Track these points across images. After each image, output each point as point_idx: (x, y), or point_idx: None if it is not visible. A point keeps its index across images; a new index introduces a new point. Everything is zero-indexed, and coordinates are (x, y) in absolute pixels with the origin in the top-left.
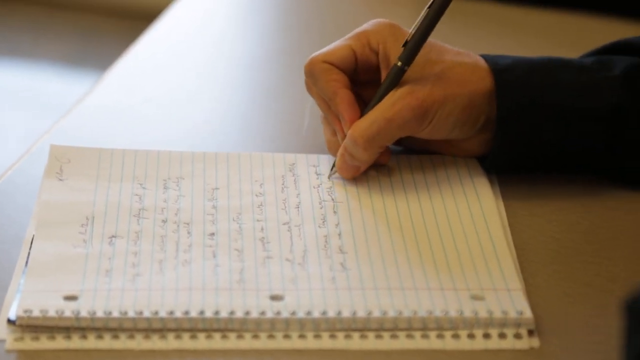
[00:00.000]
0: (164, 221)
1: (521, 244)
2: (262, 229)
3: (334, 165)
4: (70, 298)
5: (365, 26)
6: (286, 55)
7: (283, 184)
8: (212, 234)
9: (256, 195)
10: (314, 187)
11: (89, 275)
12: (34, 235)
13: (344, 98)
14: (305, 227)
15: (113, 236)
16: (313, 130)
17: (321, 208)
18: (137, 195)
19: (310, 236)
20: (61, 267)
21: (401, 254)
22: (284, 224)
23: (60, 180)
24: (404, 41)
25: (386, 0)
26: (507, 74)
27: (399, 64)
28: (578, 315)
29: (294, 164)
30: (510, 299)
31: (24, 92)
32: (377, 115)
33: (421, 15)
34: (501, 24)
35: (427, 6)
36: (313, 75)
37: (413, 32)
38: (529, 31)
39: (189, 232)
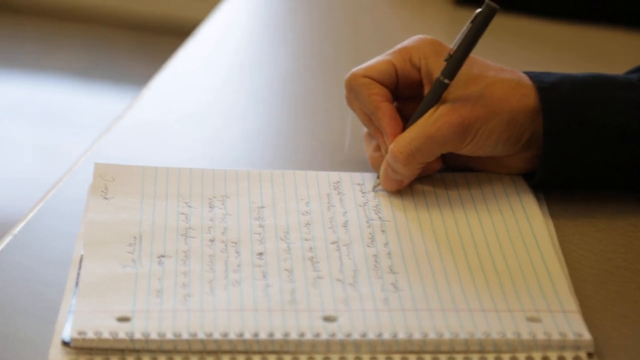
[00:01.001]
0: (212, 240)
1: (572, 264)
2: (310, 248)
3: (378, 178)
4: (123, 319)
5: (407, 42)
6: (324, 71)
7: (329, 203)
8: (261, 254)
9: (303, 214)
10: (360, 206)
11: (139, 296)
12: (82, 255)
13: (385, 112)
14: (354, 246)
15: (162, 255)
16: (354, 148)
17: (369, 227)
18: (183, 214)
19: (360, 256)
20: (112, 287)
21: (452, 274)
22: (332, 243)
23: (106, 199)
24: (446, 56)
25: (421, 14)
26: (553, 92)
27: (442, 78)
28: (637, 337)
29: (338, 182)
30: (566, 321)
31: (34, 105)
32: (418, 131)
33: (463, 29)
34: (541, 40)
35: (470, 21)
36: (354, 89)
37: (455, 46)
38: (569, 47)
39: (237, 252)
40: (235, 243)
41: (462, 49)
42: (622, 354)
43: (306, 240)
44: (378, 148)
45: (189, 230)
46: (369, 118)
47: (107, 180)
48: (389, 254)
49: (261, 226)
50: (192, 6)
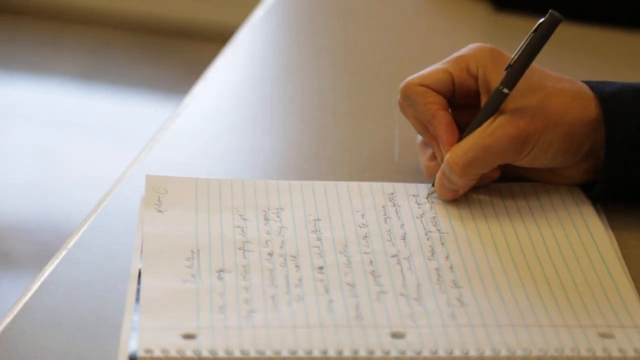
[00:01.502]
0: (270, 254)
1: (636, 277)
2: (370, 261)
3: (432, 185)
4: (189, 336)
5: (464, 50)
6: (366, 80)
7: (385, 215)
8: (321, 268)
9: (359, 226)
10: (417, 217)
11: (202, 312)
12: (140, 269)
13: (442, 120)
14: (415, 259)
15: (221, 270)
16: (404, 157)
17: (428, 239)
18: (239, 227)
19: (421, 269)
20: (174, 303)
21: (518, 288)
22: (393, 256)
23: (160, 212)
24: (504, 66)
25: (461, 19)
26: (614, 102)
27: (501, 88)
28: None
29: (392, 193)
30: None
31: (37, 107)
32: (475, 141)
33: (525, 39)
34: (599, 49)
35: (532, 30)
36: (409, 97)
37: (516, 56)
38: (628, 56)
39: (297, 266)
40: (295, 257)
41: (523, 58)
42: None
43: (366, 253)
44: (433, 157)
45: (246, 244)
46: (424, 126)
47: (160, 192)
48: (451, 267)
49: (319, 239)
50: (192, 6)
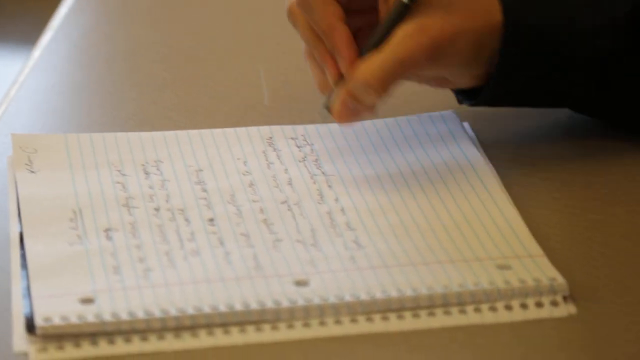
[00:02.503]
0: (157, 209)
1: (520, 207)
2: (261, 210)
3: (323, 109)
4: (87, 300)
5: None
6: (232, 25)
7: (267, 160)
8: (211, 219)
9: (243, 174)
10: (299, 161)
11: (97, 274)
12: (20, 233)
13: (342, 34)
14: (305, 204)
15: (108, 229)
16: (275, 101)
17: (314, 183)
18: (119, 182)
19: (313, 214)
20: (64, 267)
21: (411, 227)
22: (282, 202)
23: (33, 172)
24: None
25: None
26: (517, 12)
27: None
28: (603, 276)
29: (271, 137)
30: (537, 266)
31: None
32: (388, 55)
33: None
34: None
35: None
36: (307, 5)
37: None
38: None
39: (186, 219)
40: (182, 210)
41: None
42: (596, 295)
43: (254, 201)
44: (324, 70)
45: (129, 200)
46: (317, 38)
47: (29, 152)
48: (342, 209)
49: (204, 190)
50: None
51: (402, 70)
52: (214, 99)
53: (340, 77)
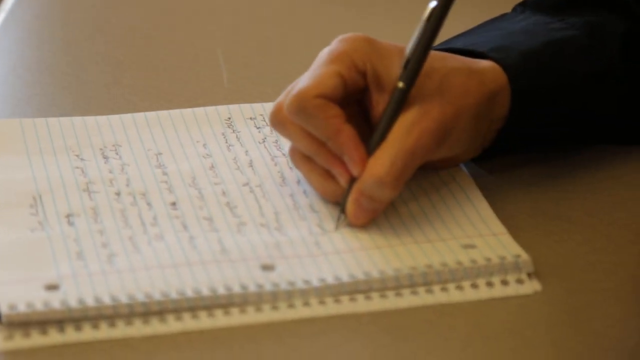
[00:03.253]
0: (118, 194)
1: (483, 187)
2: (223, 192)
3: (340, 213)
4: (52, 287)
5: (341, 45)
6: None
7: (227, 142)
8: (174, 203)
9: (204, 157)
10: (259, 142)
11: (60, 260)
12: None
13: (349, 136)
14: (267, 186)
15: (69, 215)
16: (234, 83)
17: (275, 165)
18: (78, 167)
19: (276, 196)
20: (26, 254)
21: None
22: (244, 185)
23: None
24: (386, 55)
25: None
26: (520, 79)
27: (403, 86)
28: (567, 253)
29: (229, 118)
30: (501, 244)
31: None
32: (398, 147)
33: (418, 29)
34: None
35: (425, 19)
36: (305, 113)
37: (414, 49)
38: None
39: (148, 203)
40: (144, 194)
41: (420, 50)
42: (557, 270)
43: (216, 184)
44: (325, 173)
45: (90, 185)
46: (317, 142)
47: None
48: (304, 192)
49: (165, 174)
50: None
51: (413, 160)
52: (173, 81)
53: (352, 179)
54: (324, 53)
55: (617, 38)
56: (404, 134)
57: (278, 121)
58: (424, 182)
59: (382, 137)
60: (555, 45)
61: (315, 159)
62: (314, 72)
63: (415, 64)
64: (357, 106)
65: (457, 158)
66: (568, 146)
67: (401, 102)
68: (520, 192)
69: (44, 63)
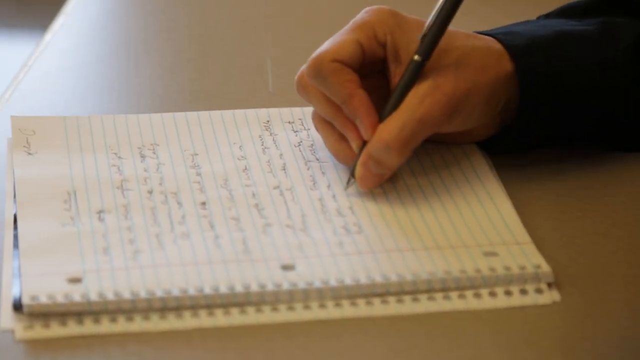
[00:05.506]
0: (150, 192)
1: (513, 196)
2: (253, 194)
3: (351, 176)
4: (75, 280)
5: (366, 16)
6: (240, 10)
7: (263, 145)
8: (204, 203)
9: (238, 159)
10: (295, 146)
11: (87, 255)
12: (15, 215)
13: (362, 101)
14: (297, 190)
15: (101, 211)
16: (278, 87)
17: (308, 169)
18: (114, 165)
19: (305, 200)
20: (55, 247)
21: (401, 213)
22: (274, 188)
23: (30, 154)
24: (409, 29)
25: None
26: (527, 59)
27: (418, 58)
28: (590, 264)
29: (268, 121)
30: (523, 253)
31: None
32: (407, 116)
33: (438, 4)
34: None
35: None
36: (321, 75)
37: (431, 23)
38: None
39: (178, 203)
40: (175, 193)
41: (438, 25)
42: (581, 283)
43: (247, 186)
44: (342, 138)
45: (124, 183)
46: (334, 107)
47: (28, 133)
48: (333, 196)
49: (198, 174)
50: None
51: (421, 129)
52: (220, 84)
53: (364, 144)
54: (350, 23)
55: (630, 36)
56: (415, 104)
57: (301, 86)
58: (448, 179)
59: (395, 106)
60: (565, 35)
61: (333, 122)
62: (334, 38)
63: (431, 37)
64: (382, 78)
65: (473, 133)
66: (590, 146)
67: (416, 74)
68: (549, 203)
69: (96, 64)
